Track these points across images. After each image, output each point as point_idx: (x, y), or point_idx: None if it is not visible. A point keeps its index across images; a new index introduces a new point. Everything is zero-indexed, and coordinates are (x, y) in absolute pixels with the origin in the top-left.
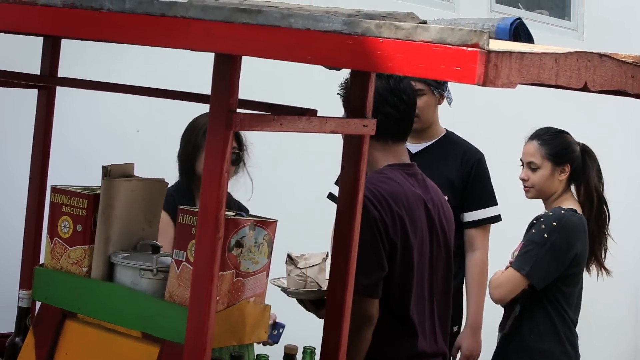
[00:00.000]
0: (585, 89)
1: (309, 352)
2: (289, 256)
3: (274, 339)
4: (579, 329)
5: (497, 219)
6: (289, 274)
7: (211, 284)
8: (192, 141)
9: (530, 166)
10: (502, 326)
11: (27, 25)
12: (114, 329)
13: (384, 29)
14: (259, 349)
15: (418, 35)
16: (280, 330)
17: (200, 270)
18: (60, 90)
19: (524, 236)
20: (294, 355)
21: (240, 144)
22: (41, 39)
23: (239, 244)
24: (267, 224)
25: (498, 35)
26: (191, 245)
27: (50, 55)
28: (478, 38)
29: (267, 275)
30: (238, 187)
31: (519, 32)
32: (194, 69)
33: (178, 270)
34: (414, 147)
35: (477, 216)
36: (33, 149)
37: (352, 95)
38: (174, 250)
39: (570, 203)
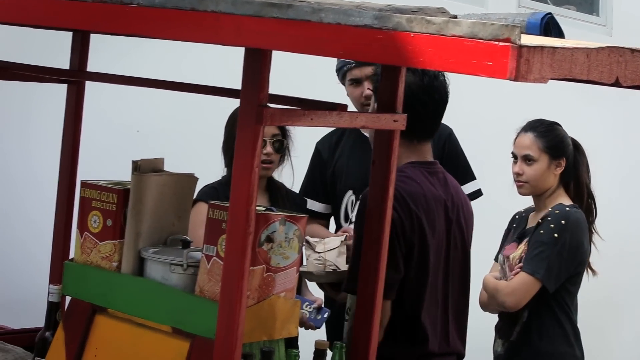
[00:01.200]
0: (617, 84)
1: (339, 348)
2: (306, 241)
3: (317, 324)
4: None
5: (477, 194)
6: (307, 259)
7: (242, 279)
8: (233, 133)
9: (526, 159)
10: (506, 334)
11: (56, 19)
12: (144, 323)
13: (415, 23)
14: (302, 333)
15: (449, 30)
16: (325, 315)
17: (231, 265)
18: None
19: (527, 237)
20: (324, 350)
21: (284, 132)
22: (69, 34)
23: (269, 239)
24: (297, 219)
25: (529, 30)
26: (221, 240)
27: (80, 50)
28: (510, 33)
29: (298, 271)
30: (281, 176)
31: (549, 27)
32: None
33: (208, 265)
34: None
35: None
36: (63, 144)
37: (381, 90)
38: (204, 245)
39: (564, 199)
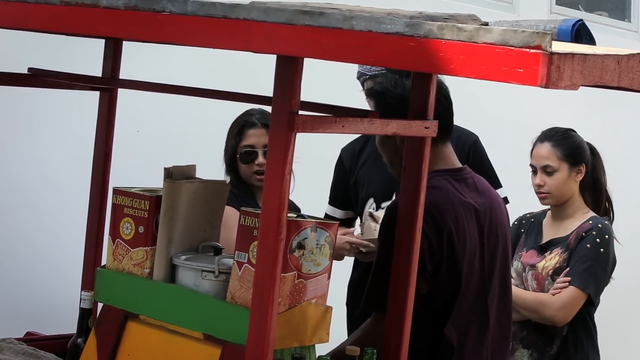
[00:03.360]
0: None
1: (369, 354)
2: (370, 215)
3: None
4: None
5: (504, 202)
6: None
7: (273, 286)
8: (232, 142)
9: (546, 170)
10: (541, 347)
11: (89, 27)
12: (176, 330)
13: (446, 30)
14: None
15: (480, 37)
16: None
17: (262, 272)
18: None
19: (554, 248)
20: (355, 357)
21: None
22: (101, 41)
23: (300, 246)
24: (328, 226)
25: (560, 37)
26: (253, 247)
27: (112, 57)
28: (540, 40)
29: (329, 277)
30: None
31: (580, 33)
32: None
33: (240, 272)
34: None
35: None
36: (95, 151)
37: (412, 97)
38: (236, 251)
39: (584, 206)
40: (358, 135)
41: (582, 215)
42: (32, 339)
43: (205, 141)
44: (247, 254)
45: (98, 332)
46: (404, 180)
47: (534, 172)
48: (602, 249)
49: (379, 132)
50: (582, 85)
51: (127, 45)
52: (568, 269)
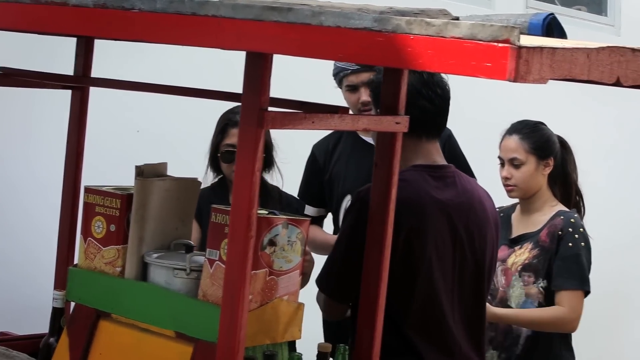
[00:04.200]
0: (617, 84)
1: (342, 351)
2: None
3: None
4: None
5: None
6: None
7: (244, 283)
8: (218, 138)
9: (513, 163)
10: (509, 349)
11: (59, 25)
12: (148, 328)
13: (415, 25)
14: (304, 336)
15: (449, 32)
16: None
17: (233, 269)
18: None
19: (525, 242)
20: (327, 353)
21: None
22: (73, 39)
23: (272, 243)
24: (300, 223)
25: (531, 31)
26: (224, 244)
27: (84, 55)
28: (509, 34)
29: (301, 274)
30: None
31: (551, 27)
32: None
33: (211, 270)
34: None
35: None
36: (67, 150)
37: (383, 92)
38: (207, 249)
39: (552, 199)
40: (331, 132)
41: (550, 209)
42: (4, 339)
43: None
44: (218, 252)
45: (70, 332)
46: (375, 175)
47: (502, 164)
48: (582, 243)
49: (349, 128)
50: (551, 79)
51: (118, 46)
52: (556, 274)
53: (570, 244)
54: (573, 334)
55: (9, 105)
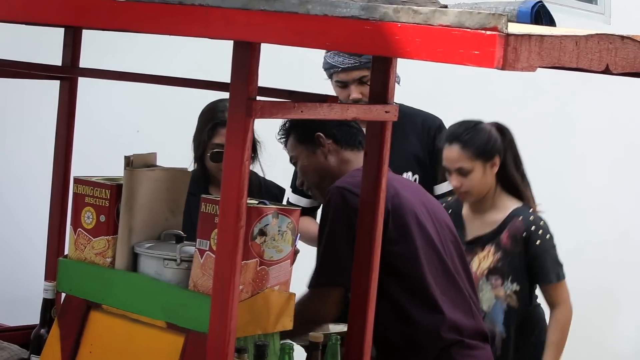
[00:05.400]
0: (607, 71)
1: (334, 339)
2: None
3: None
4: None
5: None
6: None
7: (234, 273)
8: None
9: (461, 172)
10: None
11: (45, 16)
12: (139, 319)
13: (402, 13)
14: None
15: (436, 20)
16: None
17: (223, 259)
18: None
19: (487, 244)
20: (319, 343)
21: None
22: (61, 30)
23: (262, 233)
24: (290, 212)
25: (520, 19)
26: (214, 234)
27: (72, 46)
28: (497, 21)
29: (292, 263)
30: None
31: (540, 15)
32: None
33: (202, 260)
34: None
35: (449, 187)
36: (56, 141)
37: (372, 81)
38: (197, 239)
39: (503, 194)
40: None
41: (502, 206)
42: None
43: None
44: (208, 242)
45: (61, 323)
46: (365, 165)
47: (449, 172)
48: (547, 235)
49: (338, 116)
50: (539, 67)
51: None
52: (535, 273)
53: (537, 242)
54: None
55: None
